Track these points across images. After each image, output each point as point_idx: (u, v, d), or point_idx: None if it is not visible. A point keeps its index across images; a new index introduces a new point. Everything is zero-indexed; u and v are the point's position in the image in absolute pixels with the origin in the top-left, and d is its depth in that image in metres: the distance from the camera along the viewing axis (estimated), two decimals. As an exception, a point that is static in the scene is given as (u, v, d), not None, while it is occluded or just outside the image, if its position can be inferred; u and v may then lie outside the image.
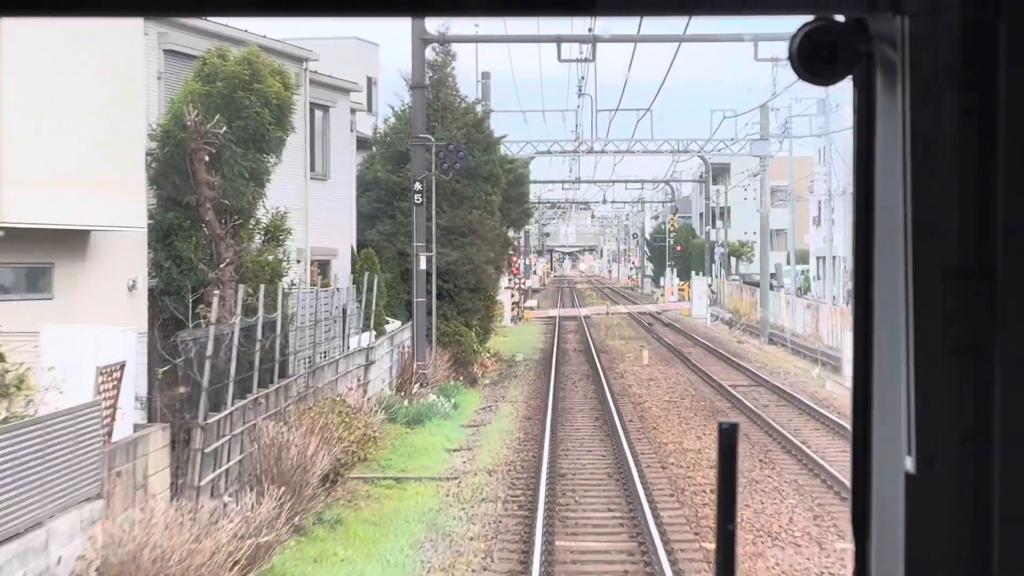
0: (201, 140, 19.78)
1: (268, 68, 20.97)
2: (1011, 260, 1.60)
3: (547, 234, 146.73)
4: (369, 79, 46.06)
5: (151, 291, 20.25)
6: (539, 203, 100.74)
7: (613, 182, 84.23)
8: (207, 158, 19.91)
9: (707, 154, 61.57)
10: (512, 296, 67.01)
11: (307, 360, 22.39)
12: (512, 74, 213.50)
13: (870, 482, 1.72)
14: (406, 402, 27.28)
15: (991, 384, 1.61)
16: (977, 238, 1.61)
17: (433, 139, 31.94)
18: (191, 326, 18.58)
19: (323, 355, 23.43)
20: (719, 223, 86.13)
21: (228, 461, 16.87)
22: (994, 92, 1.59)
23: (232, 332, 17.15)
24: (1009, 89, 1.58)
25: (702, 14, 1.61)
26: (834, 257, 63.82)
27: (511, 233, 63.24)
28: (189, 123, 19.75)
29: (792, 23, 1.64)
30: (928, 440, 1.62)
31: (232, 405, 17.01)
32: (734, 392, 32.49)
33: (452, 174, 32.08)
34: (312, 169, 29.49)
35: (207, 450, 15.84)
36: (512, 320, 65.17)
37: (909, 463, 1.63)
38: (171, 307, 19.99)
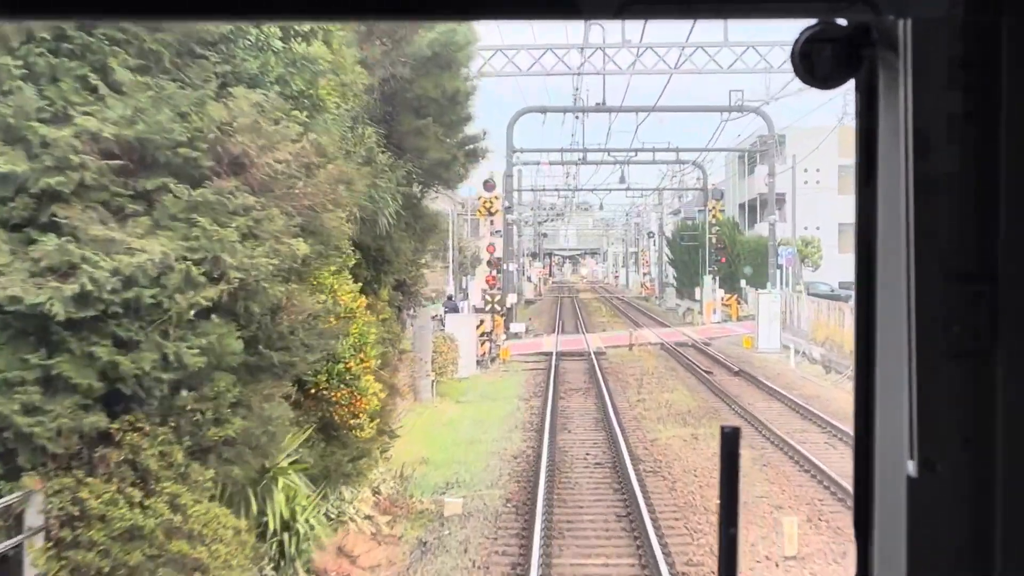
0: None
1: None
2: (1013, 263, 1.60)
3: (544, 235, 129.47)
4: None
5: None
6: (535, 194, 77.53)
7: (636, 151, 57.98)
8: None
9: (800, 89, 35.47)
10: (480, 324, 41.13)
11: None
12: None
13: (872, 485, 1.70)
14: None
15: (993, 387, 1.61)
16: (979, 241, 1.60)
17: None
18: None
19: None
20: (775, 215, 63.41)
21: None
22: (996, 95, 1.59)
23: None
24: (1011, 92, 1.58)
25: (708, 17, 1.58)
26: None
27: (449, 203, 37.31)
28: None
29: (796, 27, 1.36)
30: (930, 443, 1.61)
31: None
32: None
33: None
34: None
35: None
36: (479, 364, 39.39)
37: (911, 466, 1.62)
38: None
